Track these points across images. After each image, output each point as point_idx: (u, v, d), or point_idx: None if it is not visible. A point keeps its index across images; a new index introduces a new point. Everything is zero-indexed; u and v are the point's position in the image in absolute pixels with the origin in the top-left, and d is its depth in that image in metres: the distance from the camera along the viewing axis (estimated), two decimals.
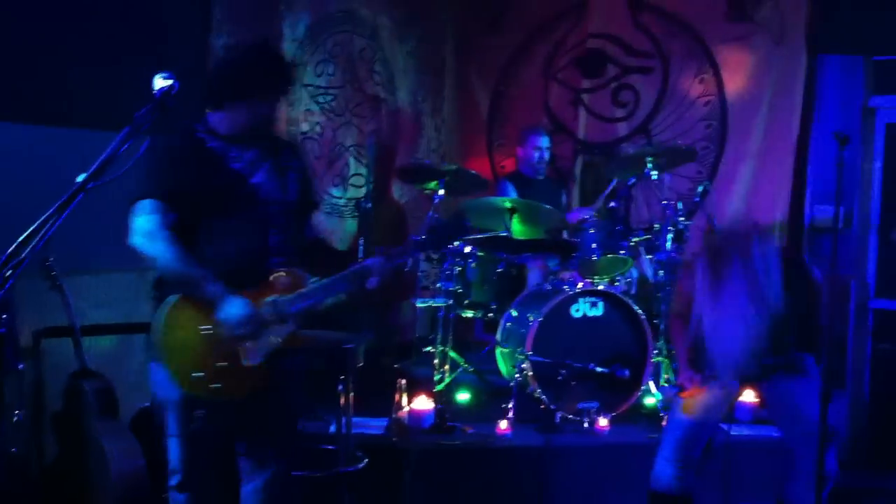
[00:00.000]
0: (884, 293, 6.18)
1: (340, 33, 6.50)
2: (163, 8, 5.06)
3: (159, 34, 4.94)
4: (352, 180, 6.59)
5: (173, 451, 3.23)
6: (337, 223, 6.45)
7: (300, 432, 4.05)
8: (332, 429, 4.70)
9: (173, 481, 3.25)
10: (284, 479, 3.32)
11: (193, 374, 3.05)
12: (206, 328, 3.06)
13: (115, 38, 4.77)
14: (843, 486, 5.01)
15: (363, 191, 6.52)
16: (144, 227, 3.06)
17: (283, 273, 3.17)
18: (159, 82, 2.73)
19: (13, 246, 2.40)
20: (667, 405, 5.10)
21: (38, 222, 2.45)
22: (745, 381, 4.08)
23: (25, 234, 2.41)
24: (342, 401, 4.19)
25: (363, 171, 6.59)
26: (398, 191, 7.04)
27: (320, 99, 6.36)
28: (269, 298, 3.13)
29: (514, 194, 6.24)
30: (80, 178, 2.63)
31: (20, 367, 4.28)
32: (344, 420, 4.23)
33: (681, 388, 3.74)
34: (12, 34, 4.45)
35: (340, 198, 6.51)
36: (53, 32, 4.60)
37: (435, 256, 6.17)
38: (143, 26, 4.89)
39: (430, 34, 7.30)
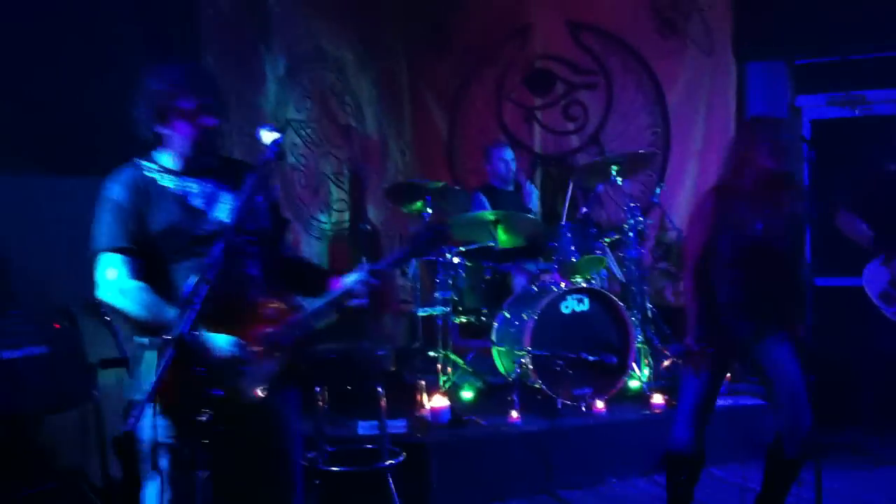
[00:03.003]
0: (820, 272, 6.88)
1: (314, 70, 7.00)
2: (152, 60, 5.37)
3: None
4: (335, 206, 7.08)
5: (153, 495, 2.99)
6: (325, 247, 6.94)
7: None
8: (360, 431, 5.19)
9: None
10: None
11: (196, 418, 2.85)
12: (200, 369, 2.87)
13: (103, 82, 4.88)
14: None
15: (346, 215, 7.01)
16: (112, 281, 2.97)
17: (268, 303, 3.05)
18: (267, 136, 3.05)
19: None
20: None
21: None
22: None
23: None
24: (382, 403, 4.68)
25: (345, 196, 7.08)
26: (372, 211, 7.54)
27: (301, 132, 6.85)
28: (262, 332, 3.01)
29: (487, 205, 6.72)
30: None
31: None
32: (383, 420, 4.73)
33: (687, 350, 4.02)
34: None
35: (326, 223, 6.99)
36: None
37: (407, 271, 6.65)
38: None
39: (390, 64, 7.83)
